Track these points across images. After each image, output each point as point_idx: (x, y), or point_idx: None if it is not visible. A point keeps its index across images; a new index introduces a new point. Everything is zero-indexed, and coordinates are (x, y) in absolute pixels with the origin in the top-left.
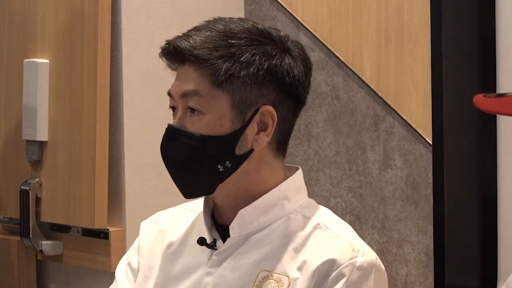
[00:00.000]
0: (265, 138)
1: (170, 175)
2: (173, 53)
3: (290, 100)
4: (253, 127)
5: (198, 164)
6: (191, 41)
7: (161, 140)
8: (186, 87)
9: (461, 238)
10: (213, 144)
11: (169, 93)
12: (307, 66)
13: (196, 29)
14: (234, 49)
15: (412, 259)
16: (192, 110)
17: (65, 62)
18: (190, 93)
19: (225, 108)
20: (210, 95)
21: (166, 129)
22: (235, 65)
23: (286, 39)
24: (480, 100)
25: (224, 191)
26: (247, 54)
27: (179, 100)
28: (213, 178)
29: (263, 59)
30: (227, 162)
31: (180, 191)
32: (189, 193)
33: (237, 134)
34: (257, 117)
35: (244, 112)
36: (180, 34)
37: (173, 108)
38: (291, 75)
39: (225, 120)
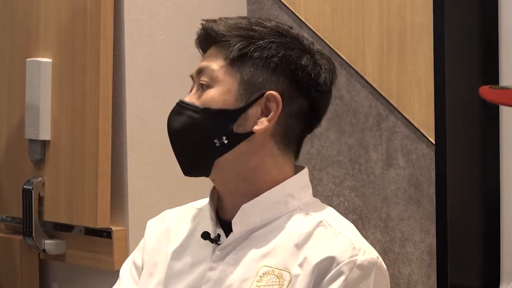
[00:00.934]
0: (266, 123)
1: (173, 149)
2: (202, 34)
3: (302, 99)
4: (256, 109)
5: (196, 135)
6: (219, 21)
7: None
8: (202, 64)
9: (463, 237)
10: (212, 117)
11: (191, 76)
12: (330, 75)
13: (231, 17)
14: (255, 33)
15: (415, 258)
16: (202, 85)
17: (67, 62)
18: (204, 68)
19: (232, 84)
20: (220, 70)
21: (176, 103)
22: (250, 46)
23: (317, 50)
24: (486, 91)
25: (221, 172)
26: (265, 40)
27: (196, 77)
28: (209, 153)
29: (280, 48)
30: (224, 138)
31: (180, 167)
32: (187, 169)
33: (238, 112)
34: (262, 101)
35: (250, 93)
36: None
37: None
38: (305, 71)
39: (229, 95)
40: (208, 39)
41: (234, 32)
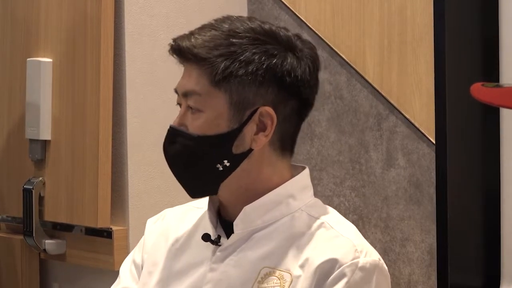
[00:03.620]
0: (263, 139)
1: (174, 175)
2: (177, 51)
3: (293, 100)
4: (251, 127)
5: (198, 164)
6: (193, 40)
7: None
8: (186, 87)
9: (464, 238)
10: (209, 144)
11: (175, 90)
12: (314, 66)
13: (201, 28)
14: (235, 47)
15: (415, 258)
16: (192, 109)
17: (68, 61)
18: (190, 92)
19: (223, 107)
20: (208, 94)
21: (168, 130)
22: (234, 64)
23: (296, 38)
24: (477, 90)
25: (227, 189)
26: (247, 53)
27: (182, 98)
28: (214, 177)
29: (263, 58)
30: (225, 161)
31: (186, 191)
32: (194, 193)
33: (234, 134)
34: (255, 118)
35: (241, 112)
36: (187, 33)
37: (180, 105)
38: (292, 75)
39: (222, 119)
40: (185, 58)
41: (215, 53)
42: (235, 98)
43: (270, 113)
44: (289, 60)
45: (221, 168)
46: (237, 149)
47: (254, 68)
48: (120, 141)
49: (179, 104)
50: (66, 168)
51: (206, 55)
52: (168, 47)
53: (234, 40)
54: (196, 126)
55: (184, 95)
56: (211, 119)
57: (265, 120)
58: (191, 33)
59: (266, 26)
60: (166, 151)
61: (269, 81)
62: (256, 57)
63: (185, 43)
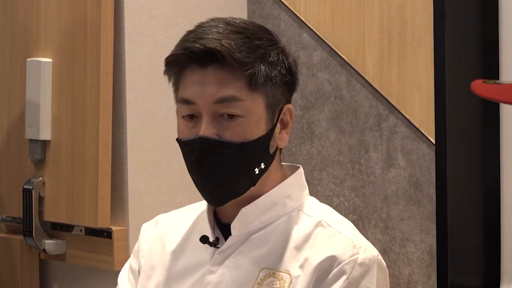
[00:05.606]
0: (286, 136)
1: (202, 185)
2: (199, 56)
3: (288, 92)
4: (278, 126)
5: (239, 171)
6: (225, 44)
7: (189, 153)
8: (223, 93)
9: (464, 238)
10: (252, 149)
11: (188, 101)
12: (287, 52)
13: (220, 31)
14: (262, 50)
15: (415, 258)
16: (230, 116)
17: (68, 61)
18: (229, 98)
19: (262, 110)
20: (249, 99)
21: (197, 141)
22: (268, 66)
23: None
24: (478, 86)
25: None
26: (272, 54)
27: (210, 106)
28: (249, 182)
29: (282, 57)
30: (262, 164)
31: (210, 199)
32: (220, 201)
33: (270, 135)
34: (281, 116)
35: (274, 112)
36: (191, 36)
37: (190, 115)
38: (297, 70)
39: (261, 121)
40: (218, 62)
41: (252, 56)
42: (270, 99)
43: (290, 110)
44: (292, 55)
45: (257, 172)
46: (271, 149)
47: (281, 69)
48: (120, 141)
49: (191, 115)
50: (66, 168)
51: (247, 59)
52: (168, 48)
53: (256, 42)
54: (237, 132)
55: (219, 101)
56: (254, 124)
57: (285, 117)
58: (214, 38)
59: (257, 23)
60: (201, 163)
61: (289, 80)
62: (280, 57)
63: (219, 46)
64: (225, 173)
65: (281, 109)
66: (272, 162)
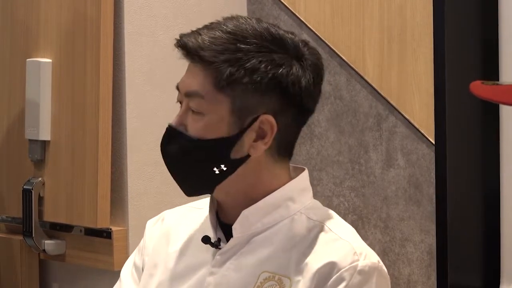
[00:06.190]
0: (262, 147)
1: (170, 174)
2: (183, 49)
3: (295, 109)
4: (251, 134)
5: (194, 166)
6: (200, 40)
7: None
8: (189, 87)
9: (464, 238)
10: (208, 147)
11: (177, 87)
12: (318, 76)
13: (209, 27)
14: (241, 54)
15: (415, 258)
16: (194, 110)
17: (68, 62)
18: (192, 93)
19: (225, 112)
20: (211, 97)
21: (166, 128)
22: (239, 71)
23: (303, 45)
24: (477, 87)
25: (222, 192)
26: (253, 61)
27: (183, 97)
28: (210, 180)
29: (269, 67)
30: (222, 165)
31: (181, 189)
32: (189, 192)
33: (234, 139)
34: (255, 125)
35: (243, 118)
36: (194, 29)
37: (181, 102)
38: (297, 85)
39: (223, 123)
40: (190, 57)
41: (221, 57)
42: (238, 104)
43: (270, 122)
44: (294, 70)
45: (217, 172)
46: (235, 154)
47: (259, 77)
48: (120, 141)
49: (180, 102)
50: (66, 168)
51: (212, 58)
52: (168, 48)
53: (241, 46)
54: (196, 128)
55: (186, 95)
56: (212, 123)
57: (265, 128)
58: (198, 32)
59: (274, 31)
60: (163, 150)
61: (273, 91)
62: (262, 65)
63: (191, 42)
64: (182, 165)
65: (256, 118)
66: (240, 166)
